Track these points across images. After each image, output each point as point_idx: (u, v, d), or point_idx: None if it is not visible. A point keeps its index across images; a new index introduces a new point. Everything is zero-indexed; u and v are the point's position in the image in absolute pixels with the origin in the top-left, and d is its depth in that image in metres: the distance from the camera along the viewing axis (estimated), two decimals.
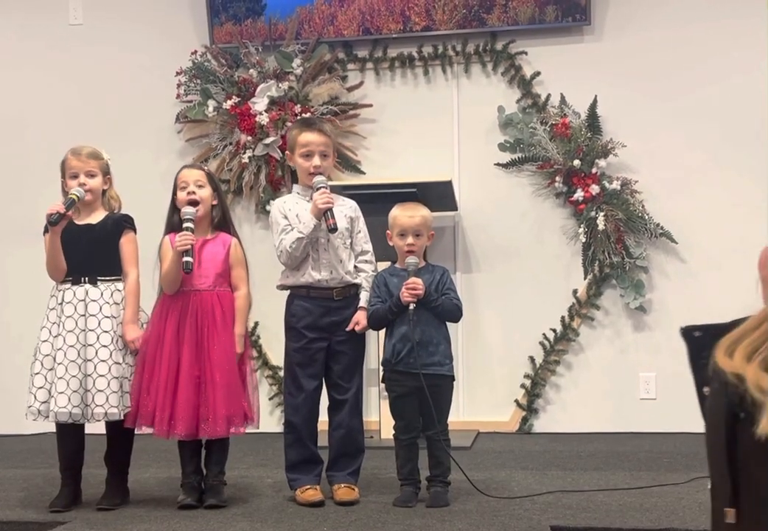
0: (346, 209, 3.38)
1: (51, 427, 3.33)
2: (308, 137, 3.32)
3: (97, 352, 3.16)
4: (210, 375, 3.19)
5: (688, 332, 1.24)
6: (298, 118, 4.75)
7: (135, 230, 3.37)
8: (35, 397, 3.18)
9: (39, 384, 3.18)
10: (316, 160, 3.31)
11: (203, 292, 3.27)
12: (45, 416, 3.18)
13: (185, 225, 3.21)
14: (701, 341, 1.21)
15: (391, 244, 3.33)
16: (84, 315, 3.20)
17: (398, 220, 3.28)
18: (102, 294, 3.24)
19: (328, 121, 4.41)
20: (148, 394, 3.18)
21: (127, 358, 3.24)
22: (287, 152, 3.49)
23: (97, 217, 3.34)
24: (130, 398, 3.20)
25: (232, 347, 3.24)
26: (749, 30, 4.64)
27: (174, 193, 3.36)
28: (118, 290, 3.29)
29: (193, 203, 3.27)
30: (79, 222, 3.29)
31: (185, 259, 3.15)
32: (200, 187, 3.31)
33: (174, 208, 3.36)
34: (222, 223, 3.38)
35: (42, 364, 3.19)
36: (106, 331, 3.20)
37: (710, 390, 1.18)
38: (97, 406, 3.13)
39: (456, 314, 3.30)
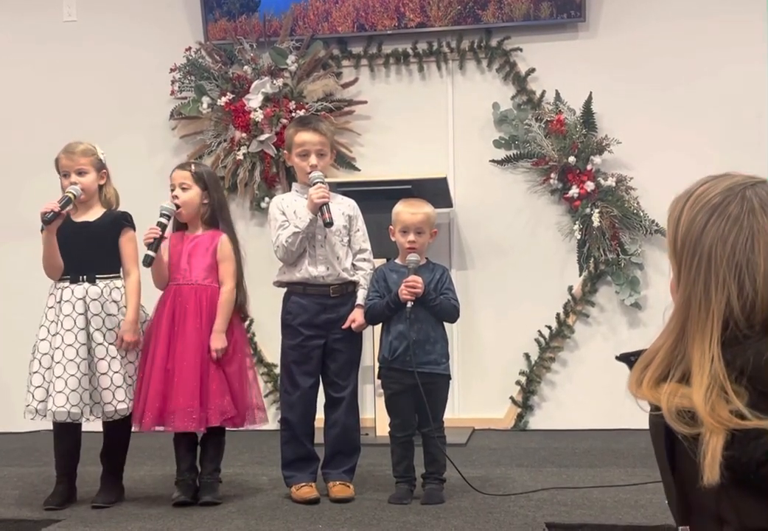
0: (344, 207, 3.38)
1: (46, 425, 3.33)
2: (304, 137, 3.32)
3: (107, 350, 3.17)
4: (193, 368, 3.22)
5: (624, 358, 1.27)
6: (294, 115, 4.75)
7: (134, 228, 3.35)
8: (33, 395, 3.16)
9: (37, 383, 3.16)
10: (313, 160, 3.30)
11: (187, 286, 3.28)
12: (43, 415, 3.16)
13: (159, 219, 3.22)
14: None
15: (393, 239, 3.32)
16: (83, 314, 3.19)
17: (401, 216, 3.27)
18: (102, 292, 3.23)
19: (324, 118, 4.40)
20: (157, 393, 3.17)
21: (129, 356, 3.25)
22: (285, 152, 3.49)
23: (94, 214, 3.33)
24: (138, 400, 3.20)
25: (206, 341, 3.22)
26: (746, 25, 4.64)
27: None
28: (117, 288, 3.28)
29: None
30: (76, 219, 3.27)
31: (146, 252, 3.16)
32: (184, 189, 3.31)
33: None
34: (212, 220, 3.37)
35: (40, 363, 3.18)
36: (110, 329, 3.21)
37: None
38: (105, 403, 3.15)
39: (453, 315, 3.29)
